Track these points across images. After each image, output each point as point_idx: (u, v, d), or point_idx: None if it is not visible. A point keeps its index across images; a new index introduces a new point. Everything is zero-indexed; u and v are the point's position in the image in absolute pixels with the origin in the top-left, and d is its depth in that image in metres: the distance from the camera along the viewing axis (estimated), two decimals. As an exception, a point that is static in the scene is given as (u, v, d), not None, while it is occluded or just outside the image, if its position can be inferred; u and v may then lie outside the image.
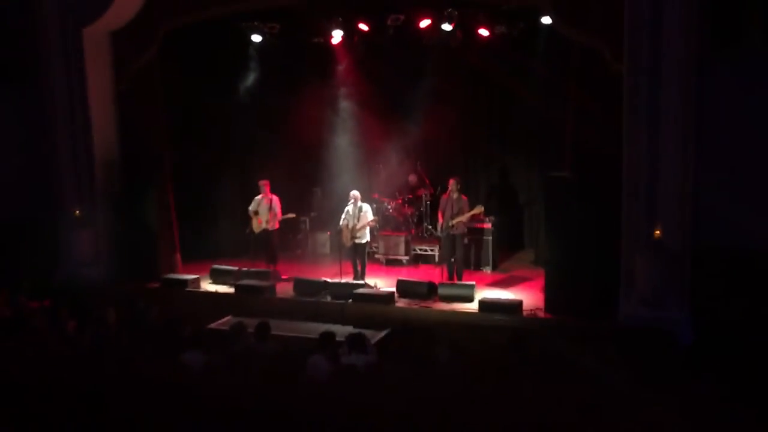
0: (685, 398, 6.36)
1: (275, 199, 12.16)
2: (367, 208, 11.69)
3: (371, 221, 11.76)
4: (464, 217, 11.28)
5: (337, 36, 12.83)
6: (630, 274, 9.51)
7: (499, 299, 10.55)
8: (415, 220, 13.41)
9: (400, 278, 11.41)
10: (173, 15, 11.77)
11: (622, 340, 8.98)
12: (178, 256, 12.82)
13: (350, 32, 12.87)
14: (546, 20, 10.97)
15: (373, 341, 8.66)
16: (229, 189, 14.15)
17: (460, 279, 11.54)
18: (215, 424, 5.47)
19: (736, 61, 9.11)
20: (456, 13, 11.85)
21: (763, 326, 8.73)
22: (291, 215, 12.33)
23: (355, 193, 11.73)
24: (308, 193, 14.46)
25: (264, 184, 12.17)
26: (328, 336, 7.52)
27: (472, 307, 10.42)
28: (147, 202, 12.20)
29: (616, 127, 9.50)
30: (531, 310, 10.26)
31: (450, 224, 11.33)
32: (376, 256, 13.01)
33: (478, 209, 11.37)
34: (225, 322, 10.08)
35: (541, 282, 10.68)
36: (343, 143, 14.10)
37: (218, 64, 13.31)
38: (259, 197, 12.19)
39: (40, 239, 12.35)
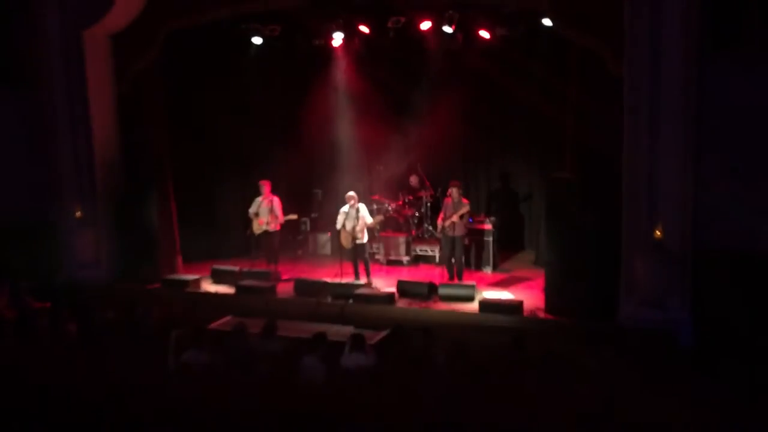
0: (685, 399, 6.35)
1: (276, 200, 12.16)
2: (364, 208, 11.65)
3: (377, 220, 11.76)
4: (456, 216, 11.26)
5: (337, 38, 12.83)
6: (630, 274, 9.50)
7: (500, 300, 10.55)
8: (415, 221, 13.41)
9: (401, 279, 11.43)
10: (174, 17, 11.79)
11: (623, 341, 8.98)
12: (179, 257, 12.84)
13: (351, 34, 12.88)
14: (546, 22, 10.97)
15: (373, 341, 8.67)
16: (230, 190, 14.15)
17: (460, 279, 11.55)
18: (216, 424, 5.47)
19: (736, 61, 9.10)
20: (456, 15, 11.84)
21: (764, 327, 8.72)
22: (293, 216, 12.33)
23: (351, 194, 11.71)
24: (309, 194, 14.46)
25: (264, 185, 12.17)
26: (321, 337, 7.56)
27: (473, 307, 10.42)
28: (148, 204, 12.20)
29: (616, 127, 9.51)
30: (531, 310, 10.26)
31: (445, 225, 11.34)
32: (377, 256, 13.01)
33: (464, 210, 11.35)
34: (225, 322, 10.09)
35: (541, 282, 10.68)
36: (344, 144, 14.12)
37: (219, 65, 13.31)
38: (259, 198, 12.19)
39: (41, 241, 12.35)
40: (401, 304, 10.73)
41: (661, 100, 9.09)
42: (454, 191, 11.43)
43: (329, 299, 10.93)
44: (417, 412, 5.37)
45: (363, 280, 11.56)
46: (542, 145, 13.18)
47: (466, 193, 12.38)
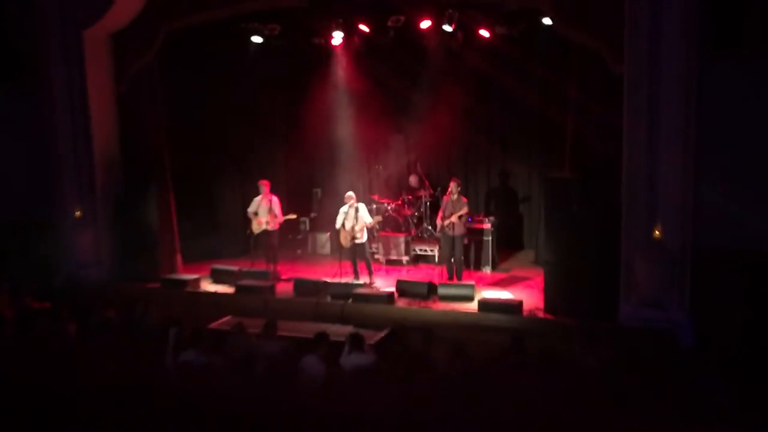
0: (685, 399, 6.35)
1: (275, 199, 12.13)
2: (363, 208, 11.64)
3: (376, 220, 11.76)
4: (454, 217, 11.27)
5: (337, 37, 12.82)
6: (630, 274, 9.50)
7: (499, 299, 10.55)
8: (415, 220, 13.40)
9: (400, 278, 11.42)
10: (173, 16, 11.79)
11: (623, 341, 8.98)
12: (179, 257, 12.82)
13: (351, 33, 12.86)
14: (546, 21, 10.96)
15: (372, 341, 8.67)
16: (229, 189, 14.16)
17: (459, 279, 11.54)
18: (215, 424, 5.47)
19: (736, 60, 9.10)
20: (456, 14, 11.83)
21: (764, 327, 8.72)
22: (292, 216, 12.31)
23: (350, 194, 11.70)
24: (308, 194, 14.46)
25: (263, 185, 12.15)
26: (323, 337, 7.55)
27: (472, 307, 10.41)
28: (147, 203, 12.18)
29: (616, 127, 9.50)
30: (531, 310, 10.25)
31: (445, 225, 11.35)
32: (376, 256, 13.01)
33: (463, 211, 11.35)
34: (225, 322, 10.09)
35: (540, 282, 10.68)
36: (344, 144, 14.12)
37: (218, 65, 13.31)
38: (258, 198, 12.16)
39: (41, 240, 12.35)
40: (401, 303, 10.72)
41: (661, 100, 9.09)
42: (452, 187, 11.42)
43: (329, 299, 10.92)
44: (416, 412, 5.37)
45: (364, 280, 11.53)
46: (542, 144, 13.18)
47: (465, 192, 12.38)
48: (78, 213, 12.21)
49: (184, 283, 11.86)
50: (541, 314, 10.15)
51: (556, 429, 5.23)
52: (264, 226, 12.09)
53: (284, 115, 14.49)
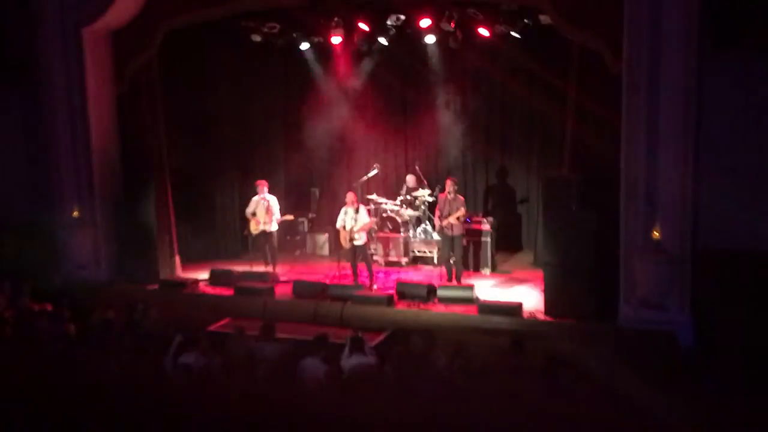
0: (685, 400, 6.35)
1: (273, 199, 12.10)
2: (362, 210, 11.59)
3: (371, 222, 11.72)
4: (452, 218, 11.24)
5: (337, 36, 12.80)
6: (630, 275, 9.47)
7: (499, 301, 10.51)
8: (413, 221, 13.36)
9: (399, 280, 11.39)
10: (173, 15, 11.74)
11: (623, 342, 8.97)
12: (177, 258, 12.77)
13: (350, 32, 12.84)
14: (546, 20, 10.94)
15: (372, 344, 8.65)
16: (228, 190, 14.12)
17: (459, 280, 11.51)
18: (215, 426, 5.45)
19: (736, 61, 9.09)
20: (456, 13, 11.81)
21: (764, 328, 8.71)
22: (288, 217, 12.28)
23: (352, 194, 11.66)
24: (306, 194, 14.42)
25: (261, 185, 12.11)
26: (323, 339, 7.53)
27: (472, 309, 10.37)
28: (146, 204, 12.11)
29: (616, 127, 9.49)
30: (530, 312, 10.22)
31: (443, 225, 11.32)
32: (375, 257, 12.96)
33: (461, 212, 11.33)
34: (224, 324, 10.06)
35: (540, 284, 10.64)
36: (342, 143, 14.09)
37: (218, 63, 13.28)
38: (256, 198, 12.13)
39: (40, 241, 12.31)
40: (400, 305, 10.67)
41: (661, 100, 9.07)
42: (449, 186, 11.38)
43: (328, 301, 10.88)
44: (417, 414, 5.35)
45: (364, 283, 11.46)
46: (541, 144, 13.15)
47: (463, 192, 12.34)
48: (76, 213, 12.16)
49: (183, 285, 11.82)
50: (541, 316, 10.12)
51: (556, 431, 5.22)
52: (262, 227, 12.05)
53: (283, 114, 14.46)
